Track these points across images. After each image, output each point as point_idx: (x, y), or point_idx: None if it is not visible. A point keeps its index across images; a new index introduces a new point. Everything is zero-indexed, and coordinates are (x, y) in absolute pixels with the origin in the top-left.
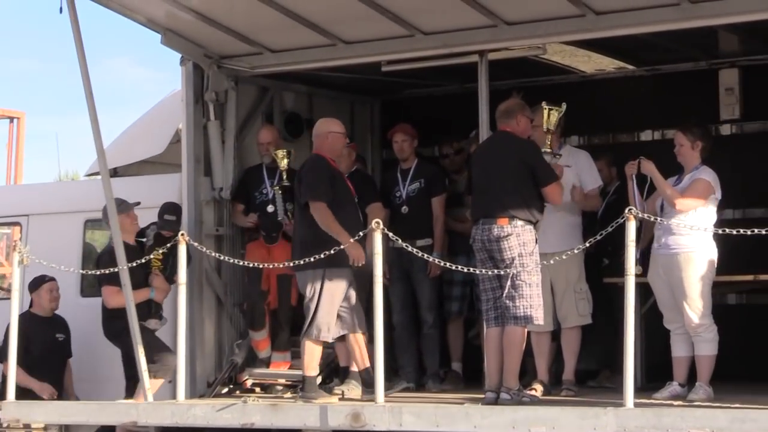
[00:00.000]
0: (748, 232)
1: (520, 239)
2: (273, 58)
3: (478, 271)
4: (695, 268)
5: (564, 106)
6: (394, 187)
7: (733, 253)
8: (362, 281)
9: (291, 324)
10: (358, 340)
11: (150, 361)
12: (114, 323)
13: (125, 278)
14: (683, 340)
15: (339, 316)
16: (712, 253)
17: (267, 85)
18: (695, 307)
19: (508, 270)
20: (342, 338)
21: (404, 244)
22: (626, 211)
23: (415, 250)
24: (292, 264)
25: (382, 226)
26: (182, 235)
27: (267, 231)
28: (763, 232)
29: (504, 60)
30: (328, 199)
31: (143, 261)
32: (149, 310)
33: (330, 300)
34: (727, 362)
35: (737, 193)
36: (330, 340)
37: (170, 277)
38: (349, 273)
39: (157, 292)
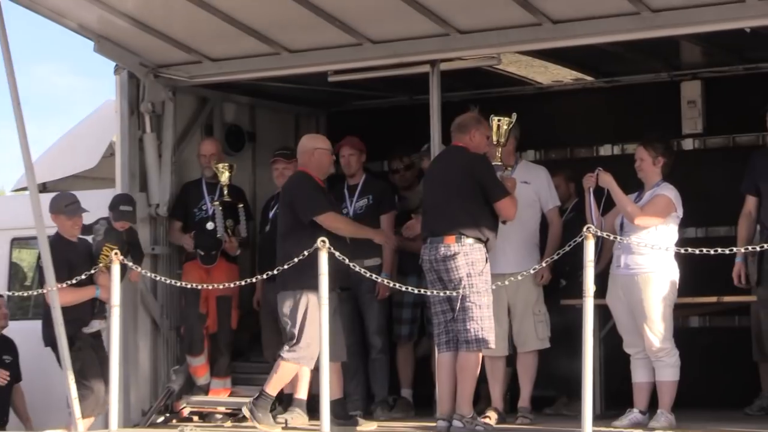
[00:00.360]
0: (712, 252)
1: (468, 258)
2: (213, 67)
3: (428, 293)
4: (656, 289)
5: (514, 116)
6: (340, 204)
7: (695, 273)
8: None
9: (231, 349)
10: (335, 369)
11: (81, 386)
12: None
13: (50, 279)
14: (644, 365)
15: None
16: (673, 273)
17: (207, 96)
18: (656, 330)
19: (457, 291)
20: None
21: (351, 264)
22: (584, 229)
23: (362, 270)
24: (275, 281)
25: (327, 244)
26: (116, 254)
27: (206, 250)
28: (727, 251)
29: (456, 70)
30: (333, 208)
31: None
32: (92, 310)
33: (316, 325)
34: (689, 388)
35: (700, 210)
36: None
37: (121, 275)
38: (335, 297)
39: (103, 291)
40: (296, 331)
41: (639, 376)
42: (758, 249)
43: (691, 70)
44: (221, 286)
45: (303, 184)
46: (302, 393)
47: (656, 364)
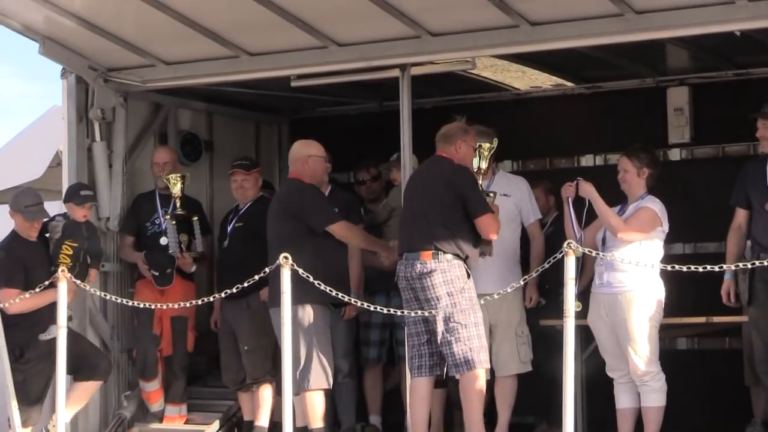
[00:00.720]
0: (700, 269)
1: (446, 276)
2: (167, 71)
3: (402, 313)
4: (641, 308)
5: (495, 142)
6: None
7: (683, 292)
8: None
9: (187, 373)
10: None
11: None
12: (17, 334)
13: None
14: (628, 390)
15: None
16: (659, 292)
17: (160, 102)
18: (641, 352)
19: (432, 312)
20: (247, 388)
21: (316, 282)
22: (565, 245)
23: (328, 288)
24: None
25: (290, 261)
26: (62, 271)
27: (160, 269)
28: (716, 269)
29: (428, 75)
30: (342, 216)
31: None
32: (51, 314)
33: (325, 341)
34: (677, 414)
35: (688, 225)
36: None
37: (78, 276)
38: (327, 314)
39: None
40: (303, 352)
41: (623, 401)
42: (749, 266)
43: (678, 76)
44: (176, 306)
45: (308, 193)
46: (264, 420)
47: (641, 388)
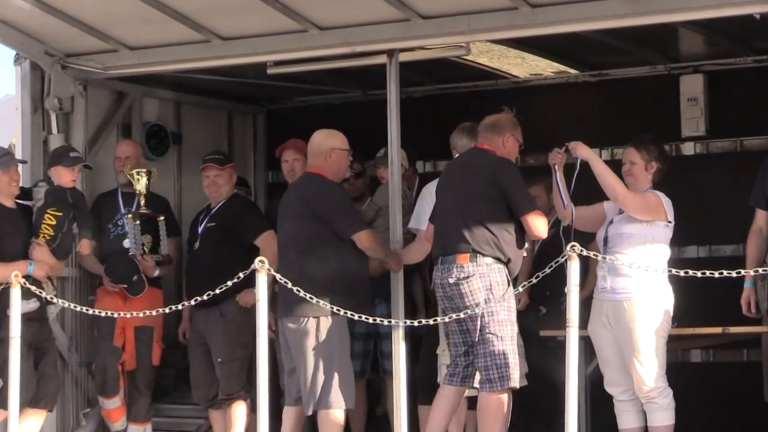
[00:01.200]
0: (716, 275)
1: (485, 281)
2: (132, 56)
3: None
4: (648, 317)
5: None
6: None
7: (697, 299)
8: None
9: (152, 388)
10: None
11: None
12: None
13: None
14: (631, 408)
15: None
16: (668, 298)
17: (124, 91)
18: (647, 365)
19: (464, 314)
20: (219, 405)
21: (294, 288)
22: (567, 248)
23: (308, 295)
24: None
25: (267, 265)
26: (16, 275)
27: (125, 277)
28: (734, 274)
29: (418, 62)
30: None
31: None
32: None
33: (345, 356)
34: (691, 430)
35: (703, 226)
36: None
37: (61, 248)
38: (345, 323)
39: (36, 267)
40: (321, 371)
41: (627, 421)
42: None
43: (693, 63)
44: (141, 315)
45: (337, 195)
46: None
47: (647, 406)
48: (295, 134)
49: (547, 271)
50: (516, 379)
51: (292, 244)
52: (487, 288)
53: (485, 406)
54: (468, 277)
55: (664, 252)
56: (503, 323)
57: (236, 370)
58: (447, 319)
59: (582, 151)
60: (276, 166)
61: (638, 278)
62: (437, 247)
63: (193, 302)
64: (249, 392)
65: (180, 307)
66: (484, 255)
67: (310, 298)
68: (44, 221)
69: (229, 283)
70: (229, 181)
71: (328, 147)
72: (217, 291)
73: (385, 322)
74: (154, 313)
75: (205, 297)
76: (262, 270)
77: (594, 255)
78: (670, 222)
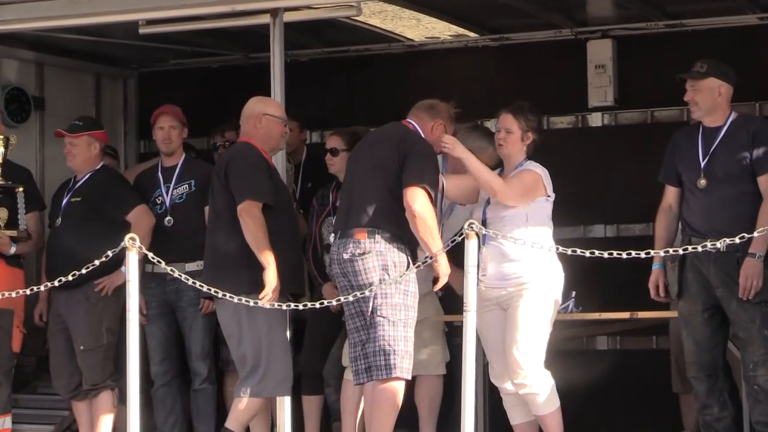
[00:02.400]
0: (624, 255)
1: (381, 259)
2: None
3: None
4: (536, 301)
5: None
6: (153, 192)
7: (604, 282)
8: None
9: (12, 378)
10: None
11: None
12: None
13: None
14: (519, 401)
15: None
16: (558, 282)
17: None
18: (525, 350)
19: (366, 301)
20: (83, 396)
21: (168, 269)
22: (465, 225)
23: (183, 276)
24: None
25: (138, 242)
26: None
27: None
28: (642, 255)
29: (304, 22)
30: (268, 201)
31: None
32: None
33: (278, 335)
34: (595, 423)
35: (610, 203)
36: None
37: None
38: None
39: None
40: (249, 352)
41: (516, 416)
42: (680, 252)
43: (601, 27)
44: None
45: (244, 156)
46: None
47: (528, 398)
48: (170, 100)
49: (443, 249)
50: (404, 369)
51: (211, 219)
52: (383, 267)
53: (377, 396)
54: (364, 254)
55: (548, 229)
56: (397, 307)
57: (100, 359)
58: (335, 302)
59: (458, 151)
60: (148, 135)
61: (527, 262)
62: (338, 221)
63: (57, 283)
64: (117, 381)
65: (42, 288)
66: (383, 231)
67: (183, 276)
68: None
69: (97, 263)
70: (86, 150)
71: (259, 112)
72: (84, 271)
73: (267, 305)
74: (13, 294)
75: (70, 277)
76: (133, 248)
77: (493, 233)
78: (549, 196)
